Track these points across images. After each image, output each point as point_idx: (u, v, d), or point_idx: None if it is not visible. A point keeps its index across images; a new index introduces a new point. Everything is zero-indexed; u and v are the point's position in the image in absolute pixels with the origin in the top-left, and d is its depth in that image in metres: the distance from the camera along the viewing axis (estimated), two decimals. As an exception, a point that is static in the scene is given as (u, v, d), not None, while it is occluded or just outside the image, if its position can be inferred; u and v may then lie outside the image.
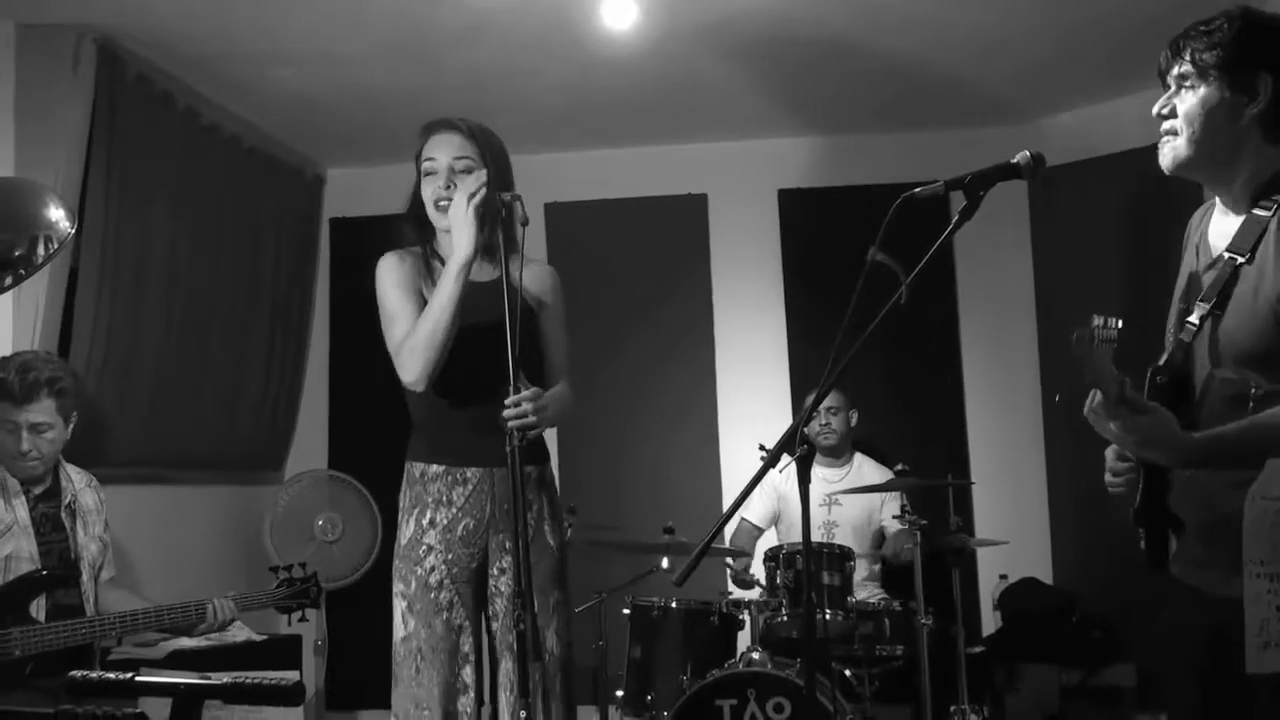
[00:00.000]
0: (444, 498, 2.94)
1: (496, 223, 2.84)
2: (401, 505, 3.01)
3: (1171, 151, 2.15)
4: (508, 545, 2.93)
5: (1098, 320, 1.96)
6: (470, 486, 2.94)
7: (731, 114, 5.73)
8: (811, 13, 4.56)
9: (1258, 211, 2.09)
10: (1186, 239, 2.33)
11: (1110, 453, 2.23)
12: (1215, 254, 2.16)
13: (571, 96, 5.39)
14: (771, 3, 4.45)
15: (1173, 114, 2.14)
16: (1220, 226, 2.20)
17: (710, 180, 6.12)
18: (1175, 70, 2.14)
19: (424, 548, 2.92)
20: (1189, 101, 2.12)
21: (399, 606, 2.93)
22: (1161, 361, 2.15)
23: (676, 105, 5.57)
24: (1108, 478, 2.24)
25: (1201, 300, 2.12)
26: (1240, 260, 2.08)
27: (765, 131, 6.00)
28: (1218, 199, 2.22)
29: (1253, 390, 2.01)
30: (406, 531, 2.97)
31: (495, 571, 2.96)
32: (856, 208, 5.60)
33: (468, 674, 2.89)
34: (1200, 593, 2.10)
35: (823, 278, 5.47)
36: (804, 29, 4.71)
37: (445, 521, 2.93)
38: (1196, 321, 2.11)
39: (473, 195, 2.79)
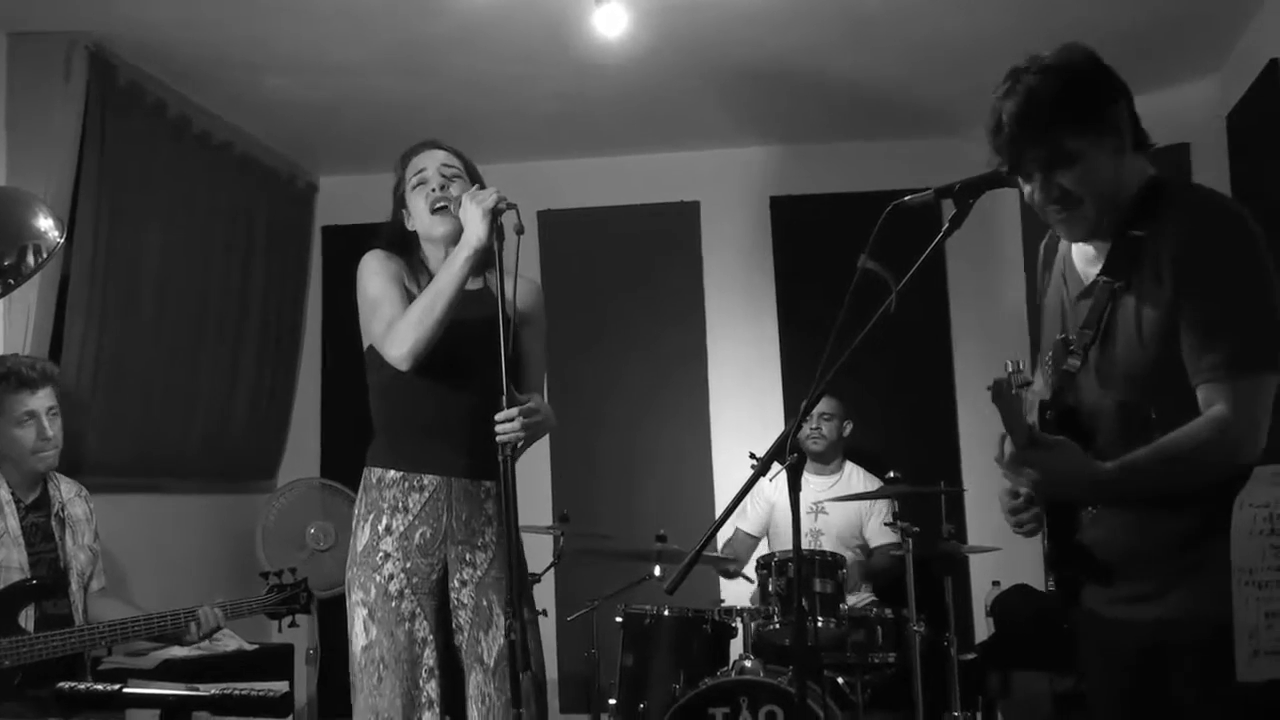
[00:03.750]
0: (400, 504, 2.87)
1: (494, 234, 2.78)
2: (356, 512, 2.95)
3: (1083, 222, 2.04)
4: (467, 557, 2.89)
5: (1010, 366, 1.91)
6: (426, 494, 2.88)
7: (723, 121, 5.74)
8: (804, 24, 4.57)
9: (1134, 233, 2.02)
10: (1042, 266, 2.29)
11: (1003, 494, 2.16)
12: (1087, 280, 2.11)
13: (564, 104, 5.39)
14: (762, 13, 4.46)
15: (1063, 193, 2.01)
16: (1084, 251, 2.14)
17: (702, 187, 6.13)
18: (1035, 156, 2.00)
19: (381, 554, 2.86)
20: (1076, 173, 1.99)
21: (359, 614, 2.86)
22: (1048, 397, 2.10)
23: (669, 112, 5.57)
24: (1008, 518, 2.17)
25: (1084, 328, 2.06)
26: (1118, 285, 2.02)
27: (758, 139, 6.01)
28: None
29: (1152, 416, 1.97)
30: (362, 538, 2.90)
31: (456, 584, 2.89)
32: (849, 215, 5.54)
33: (432, 689, 2.82)
34: (1126, 623, 2.06)
35: (815, 285, 5.44)
36: (796, 38, 4.72)
37: (401, 528, 2.86)
38: (1080, 351, 2.05)
39: (486, 199, 2.74)
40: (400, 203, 3.03)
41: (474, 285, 2.89)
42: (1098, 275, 2.07)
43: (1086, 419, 2.07)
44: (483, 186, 2.90)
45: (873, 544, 5.01)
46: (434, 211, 2.93)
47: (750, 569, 4.73)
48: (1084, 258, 2.15)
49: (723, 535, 5.02)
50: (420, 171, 2.97)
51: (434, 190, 2.93)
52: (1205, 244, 1.95)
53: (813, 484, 5.00)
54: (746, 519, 5.14)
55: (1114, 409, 2.03)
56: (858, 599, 4.78)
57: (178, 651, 4.24)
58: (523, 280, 3.01)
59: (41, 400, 3.45)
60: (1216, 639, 1.89)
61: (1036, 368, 2.27)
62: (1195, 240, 1.95)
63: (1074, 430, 2.02)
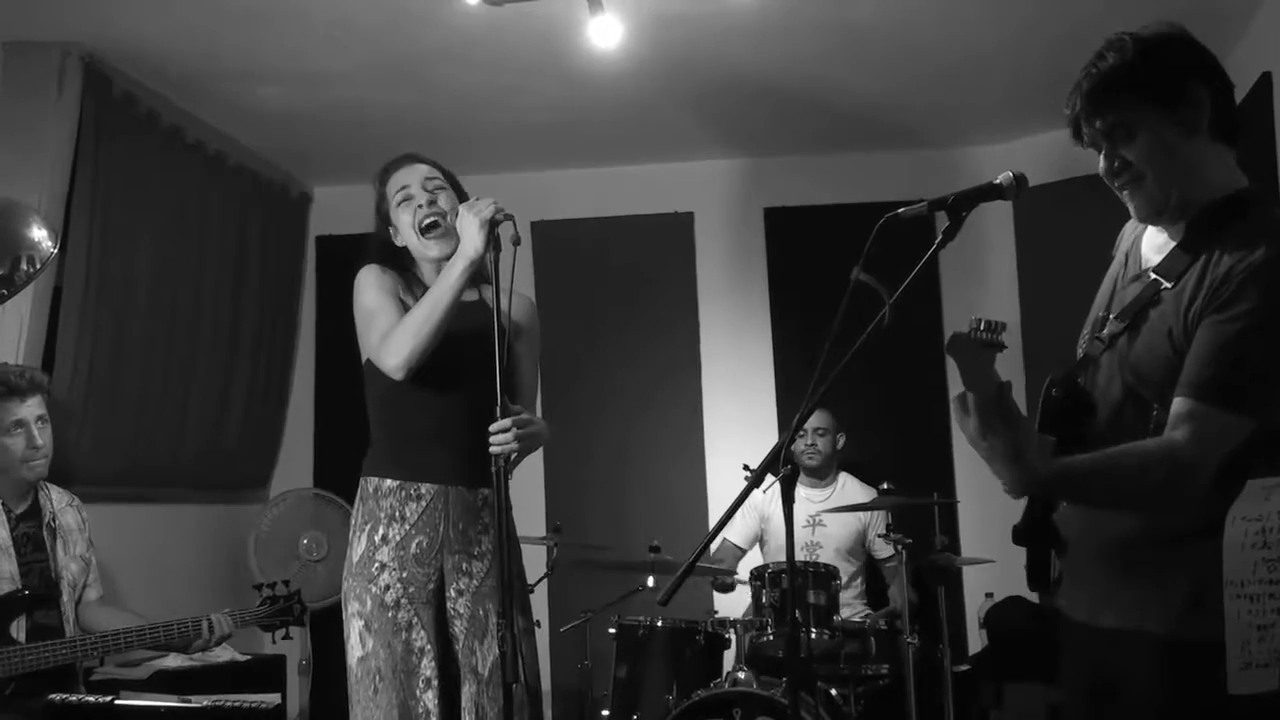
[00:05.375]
0: (396, 513, 2.86)
1: (490, 244, 2.75)
2: (353, 522, 2.93)
3: (1149, 200, 2.01)
4: (464, 566, 2.88)
5: (975, 321, 1.93)
6: (424, 503, 2.86)
7: (717, 132, 5.75)
8: (798, 36, 4.58)
9: (1201, 238, 1.97)
10: (1119, 242, 2.26)
11: None
12: (1144, 266, 2.08)
13: (558, 115, 5.40)
14: (756, 26, 4.47)
15: (1124, 166, 2.00)
16: (1154, 238, 2.12)
17: (696, 198, 6.13)
18: (1100, 124, 2.00)
19: (377, 565, 2.84)
20: (1138, 146, 1.98)
21: (355, 626, 2.84)
22: (1061, 374, 2.09)
23: (663, 123, 5.58)
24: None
25: (1117, 317, 2.05)
26: (1165, 285, 1.98)
27: (752, 150, 6.02)
28: None
29: (1154, 412, 1.94)
30: (358, 549, 2.88)
31: (453, 593, 2.87)
32: (844, 226, 5.56)
33: (430, 699, 2.79)
34: (1086, 627, 2.05)
35: (810, 296, 5.47)
36: (790, 50, 4.73)
37: (398, 538, 2.85)
38: (1106, 337, 2.05)
39: (484, 210, 2.70)
40: (385, 219, 3.00)
41: (469, 297, 2.88)
42: (1151, 270, 2.04)
43: (1095, 398, 2.06)
44: (466, 197, 2.89)
45: (879, 557, 5.02)
46: (426, 231, 2.91)
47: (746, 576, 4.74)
48: (1152, 245, 2.11)
49: (712, 546, 5.01)
50: (404, 188, 2.95)
51: (421, 206, 2.92)
52: (1260, 276, 1.87)
53: (807, 496, 4.99)
54: (735, 530, 5.12)
55: (1120, 393, 2.02)
56: (852, 610, 4.78)
57: (170, 663, 4.22)
58: (517, 295, 3.00)
59: (30, 409, 3.45)
60: (1163, 660, 1.89)
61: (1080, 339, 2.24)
62: (1252, 267, 1.87)
63: (1075, 407, 2.02)
